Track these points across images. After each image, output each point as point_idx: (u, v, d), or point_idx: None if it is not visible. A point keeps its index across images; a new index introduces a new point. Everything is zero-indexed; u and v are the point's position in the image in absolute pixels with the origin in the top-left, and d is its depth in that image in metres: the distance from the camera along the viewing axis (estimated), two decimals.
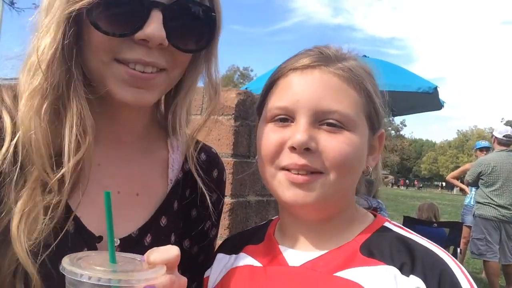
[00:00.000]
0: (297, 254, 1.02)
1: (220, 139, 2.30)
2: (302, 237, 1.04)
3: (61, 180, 0.88)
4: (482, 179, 6.96)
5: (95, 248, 0.96)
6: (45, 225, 0.86)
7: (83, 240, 0.94)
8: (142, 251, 0.80)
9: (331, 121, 0.94)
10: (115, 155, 1.03)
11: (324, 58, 0.99)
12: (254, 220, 2.54)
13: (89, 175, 0.93)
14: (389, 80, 5.69)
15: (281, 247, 1.06)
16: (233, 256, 1.14)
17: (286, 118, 0.97)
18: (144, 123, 1.09)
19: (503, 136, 7.07)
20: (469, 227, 7.86)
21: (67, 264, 0.72)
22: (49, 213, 0.87)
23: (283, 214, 1.10)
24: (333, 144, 0.93)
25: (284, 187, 0.96)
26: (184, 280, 0.82)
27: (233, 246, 1.17)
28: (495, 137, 7.15)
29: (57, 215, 0.88)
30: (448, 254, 0.94)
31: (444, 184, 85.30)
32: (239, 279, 1.06)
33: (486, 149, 8.18)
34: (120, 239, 0.98)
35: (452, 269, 0.89)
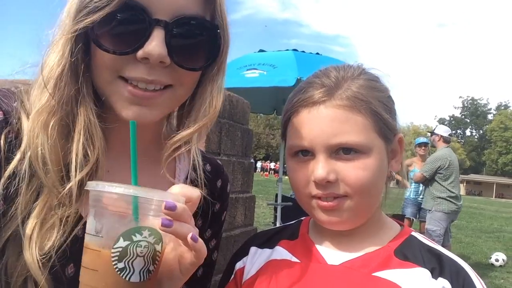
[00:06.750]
0: (334, 253, 1.10)
1: None
2: (337, 239, 1.12)
3: (70, 194, 0.88)
4: (440, 173, 7.38)
5: None
6: (58, 238, 0.86)
7: None
8: None
9: (344, 150, 1.02)
10: (124, 163, 1.01)
11: (326, 91, 1.04)
12: None
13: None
14: None
15: (318, 247, 1.13)
16: (268, 250, 1.19)
17: (307, 151, 1.06)
18: (153, 134, 1.08)
19: (448, 134, 7.77)
20: (409, 219, 8.41)
21: (93, 182, 0.77)
22: (62, 226, 0.87)
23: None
24: (350, 172, 1.01)
25: (318, 212, 1.06)
26: (197, 230, 0.83)
27: (266, 241, 1.22)
28: (441, 136, 7.68)
29: (69, 228, 0.88)
30: (468, 265, 1.05)
31: None
32: (277, 271, 1.10)
33: (425, 145, 8.66)
34: None
35: (472, 279, 1.01)
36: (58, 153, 0.88)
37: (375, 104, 1.04)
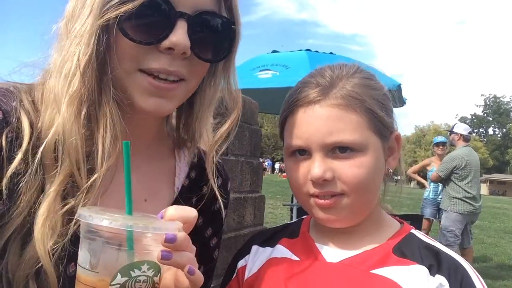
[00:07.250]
0: (333, 251, 1.11)
1: None
2: (336, 237, 1.13)
3: (90, 185, 0.89)
4: (456, 173, 7.19)
5: None
6: (68, 229, 0.86)
7: None
8: None
9: (340, 148, 1.03)
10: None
11: (321, 90, 1.05)
12: (232, 216, 2.56)
13: (112, 178, 0.93)
14: None
15: (317, 245, 1.15)
16: (269, 248, 1.21)
17: (304, 150, 1.07)
18: (153, 133, 1.10)
19: (468, 133, 7.54)
20: (428, 219, 8.26)
21: (86, 211, 0.73)
22: (75, 217, 0.85)
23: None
24: (346, 170, 1.02)
25: (317, 210, 1.08)
26: (195, 248, 0.81)
27: (267, 239, 1.24)
28: (461, 134, 7.45)
29: (76, 224, 0.87)
30: (467, 262, 1.05)
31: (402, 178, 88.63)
32: (277, 270, 1.12)
33: (443, 144, 8.51)
34: None
35: (471, 276, 1.01)
36: (83, 143, 0.89)
37: (370, 102, 1.05)
